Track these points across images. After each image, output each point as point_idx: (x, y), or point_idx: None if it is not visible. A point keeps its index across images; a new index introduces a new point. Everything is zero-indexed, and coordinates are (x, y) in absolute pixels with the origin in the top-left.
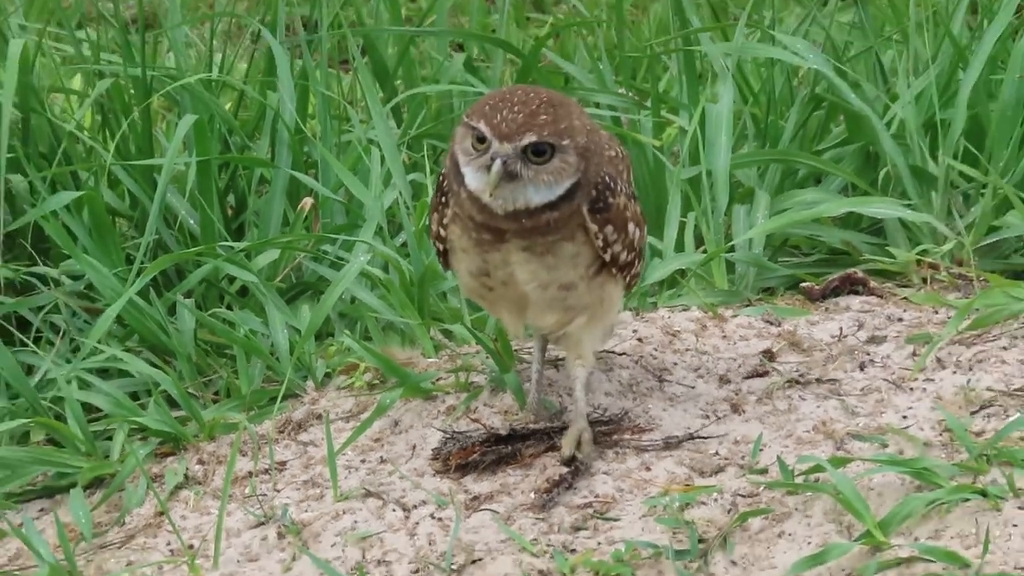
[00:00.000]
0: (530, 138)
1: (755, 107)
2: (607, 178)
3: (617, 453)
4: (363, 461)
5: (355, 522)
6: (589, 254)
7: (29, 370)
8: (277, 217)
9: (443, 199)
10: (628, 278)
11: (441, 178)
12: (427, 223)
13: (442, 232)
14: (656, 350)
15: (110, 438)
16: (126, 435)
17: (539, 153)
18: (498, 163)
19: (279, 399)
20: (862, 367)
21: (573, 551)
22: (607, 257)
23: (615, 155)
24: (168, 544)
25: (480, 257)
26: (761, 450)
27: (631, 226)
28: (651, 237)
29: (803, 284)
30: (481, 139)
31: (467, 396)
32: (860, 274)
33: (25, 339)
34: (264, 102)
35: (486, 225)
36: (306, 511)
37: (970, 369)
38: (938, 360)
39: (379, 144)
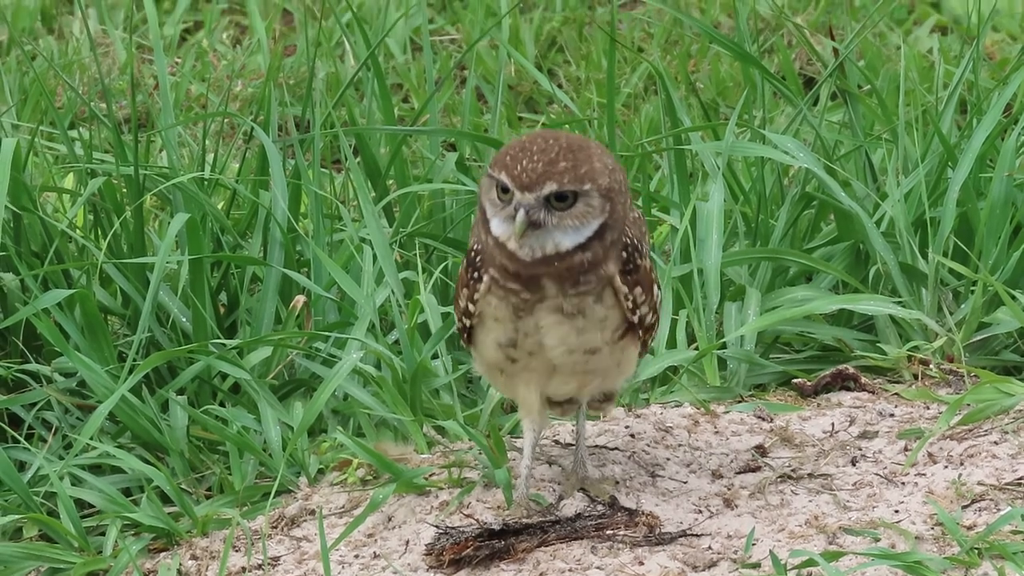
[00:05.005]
0: (550, 187)
1: (746, 206)
2: (635, 240)
3: (610, 548)
4: (356, 556)
5: None
6: (617, 318)
7: (21, 467)
8: (270, 315)
9: (475, 274)
10: (648, 340)
11: (473, 254)
12: (454, 300)
13: (471, 308)
14: (649, 446)
15: (103, 534)
16: (119, 531)
17: (562, 199)
18: (521, 213)
19: (272, 495)
20: (854, 462)
21: None
22: (635, 319)
23: (637, 216)
24: None
25: (512, 325)
26: (754, 544)
27: (655, 288)
28: None
29: (795, 380)
30: (504, 189)
31: (460, 491)
32: (851, 370)
33: (17, 436)
34: (257, 201)
35: (519, 275)
36: None
37: (961, 464)
38: (929, 455)
39: (371, 243)
